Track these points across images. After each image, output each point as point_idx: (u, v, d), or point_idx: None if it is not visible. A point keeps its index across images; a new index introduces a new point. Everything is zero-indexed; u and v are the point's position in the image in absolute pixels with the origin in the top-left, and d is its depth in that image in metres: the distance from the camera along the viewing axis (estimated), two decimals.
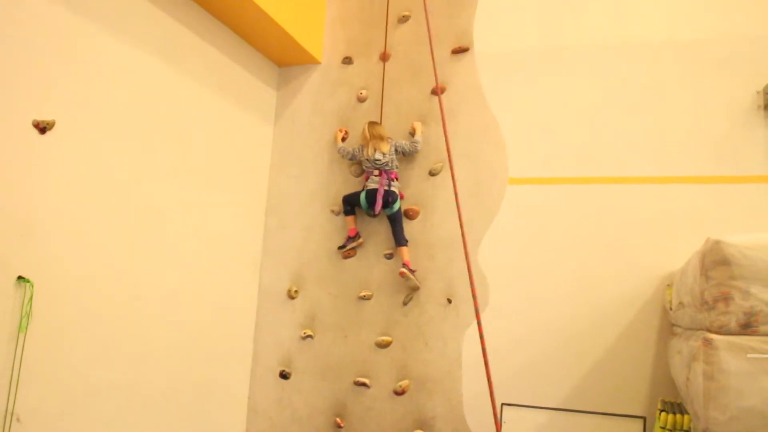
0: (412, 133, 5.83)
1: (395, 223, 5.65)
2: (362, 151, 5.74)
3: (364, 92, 6.17)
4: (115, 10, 4.39)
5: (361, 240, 5.84)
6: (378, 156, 5.61)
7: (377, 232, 5.86)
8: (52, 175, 3.87)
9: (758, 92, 5.04)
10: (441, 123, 5.81)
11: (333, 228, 6.04)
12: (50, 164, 3.85)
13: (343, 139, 6.09)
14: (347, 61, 6.34)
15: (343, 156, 5.96)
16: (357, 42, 6.36)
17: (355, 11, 6.43)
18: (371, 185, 5.59)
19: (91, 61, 4.18)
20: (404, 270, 5.49)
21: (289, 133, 6.41)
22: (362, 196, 5.62)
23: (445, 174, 5.72)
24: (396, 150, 5.70)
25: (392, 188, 5.58)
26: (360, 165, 5.91)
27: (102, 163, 4.25)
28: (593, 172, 5.35)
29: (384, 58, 6.17)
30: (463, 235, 3.80)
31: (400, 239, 5.63)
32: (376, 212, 5.56)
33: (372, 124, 5.76)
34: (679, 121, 5.21)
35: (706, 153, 5.12)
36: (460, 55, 5.90)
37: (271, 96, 6.45)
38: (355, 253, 5.89)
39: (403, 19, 6.20)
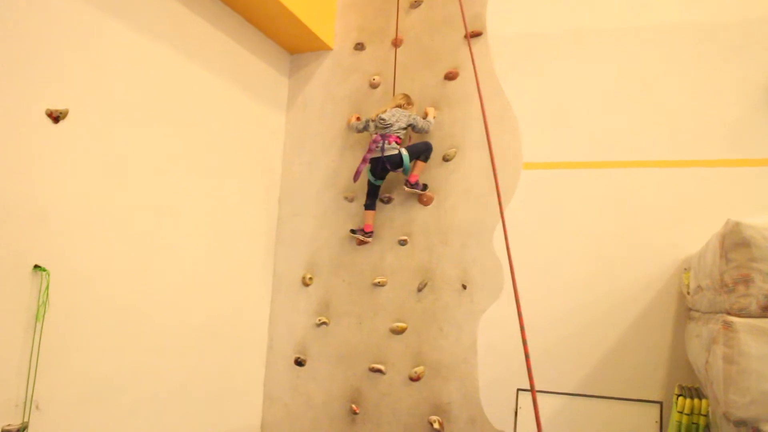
0: (425, 117, 5.79)
1: (417, 155, 5.58)
2: (372, 120, 5.71)
3: (376, 78, 6.14)
4: None
5: (370, 239, 5.83)
6: (383, 116, 5.58)
7: (390, 218, 5.85)
8: (66, 164, 3.88)
9: None
10: (454, 107, 5.80)
11: (346, 215, 6.03)
12: (64, 153, 3.87)
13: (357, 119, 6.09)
14: (359, 47, 6.31)
15: (354, 130, 5.93)
16: (369, 28, 6.32)
17: None
18: (371, 155, 5.59)
19: (103, 50, 4.18)
20: (406, 188, 5.59)
21: (302, 121, 6.40)
22: (366, 170, 5.66)
23: (459, 159, 5.69)
24: (413, 122, 5.62)
25: (388, 152, 5.50)
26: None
27: (115, 152, 4.26)
28: (608, 157, 5.30)
29: (396, 43, 6.13)
30: (496, 183, 3.70)
31: (420, 155, 5.60)
32: (355, 179, 5.67)
33: (404, 94, 5.78)
34: (695, 105, 5.14)
35: (722, 136, 5.06)
36: (473, 40, 5.84)
37: (283, 83, 6.43)
38: (369, 240, 5.88)
39: (415, 4, 6.15)
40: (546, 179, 5.43)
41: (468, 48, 5.82)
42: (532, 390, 2.88)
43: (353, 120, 6.03)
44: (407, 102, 5.70)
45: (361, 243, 5.89)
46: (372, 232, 5.80)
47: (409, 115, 5.62)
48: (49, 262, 3.72)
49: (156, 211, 4.63)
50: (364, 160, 5.61)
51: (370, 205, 5.77)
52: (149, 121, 4.58)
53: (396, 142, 5.54)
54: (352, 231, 5.83)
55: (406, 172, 5.59)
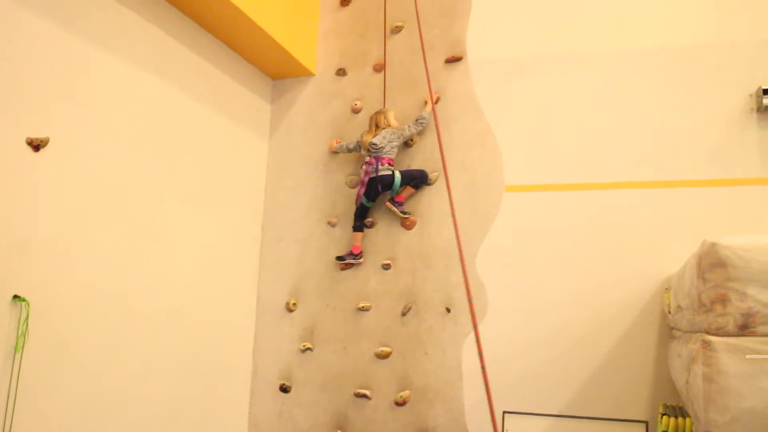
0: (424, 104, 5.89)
1: (410, 182, 5.67)
2: (360, 138, 5.81)
3: (358, 103, 6.19)
4: (109, 25, 4.40)
5: (361, 260, 5.83)
6: (374, 141, 5.64)
7: (374, 242, 5.86)
8: (47, 192, 3.86)
9: (750, 95, 5.06)
10: (435, 131, 5.84)
11: (330, 240, 6.03)
12: (45, 182, 3.85)
13: (355, 111, 6.20)
14: (341, 72, 6.36)
15: (340, 151, 6.00)
16: (350, 53, 6.38)
17: (348, 23, 6.46)
18: (368, 177, 5.66)
19: (84, 78, 4.18)
20: (388, 203, 5.68)
21: (285, 146, 6.42)
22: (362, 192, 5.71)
23: (441, 183, 5.72)
24: (401, 136, 5.70)
25: (381, 173, 5.58)
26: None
27: (97, 180, 4.24)
28: (589, 179, 5.36)
29: (381, 68, 6.18)
30: (459, 242, 3.79)
31: (411, 182, 5.69)
32: (357, 202, 5.73)
33: (377, 112, 5.82)
34: (673, 126, 5.22)
35: (701, 157, 5.13)
36: (454, 65, 5.92)
37: (265, 109, 6.46)
38: (352, 265, 5.88)
39: (396, 30, 6.22)
40: (528, 201, 5.47)
41: (450, 72, 5.88)
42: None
43: (335, 144, 6.07)
44: (387, 121, 5.75)
45: (347, 267, 5.88)
46: (361, 253, 5.80)
47: (401, 133, 5.71)
48: (29, 292, 3.68)
49: (138, 239, 4.61)
50: (362, 184, 5.66)
51: (359, 227, 5.80)
52: (131, 149, 4.58)
53: (389, 164, 5.63)
54: (339, 258, 5.83)
55: (394, 193, 5.67)
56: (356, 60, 6.33)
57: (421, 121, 5.73)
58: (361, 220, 5.80)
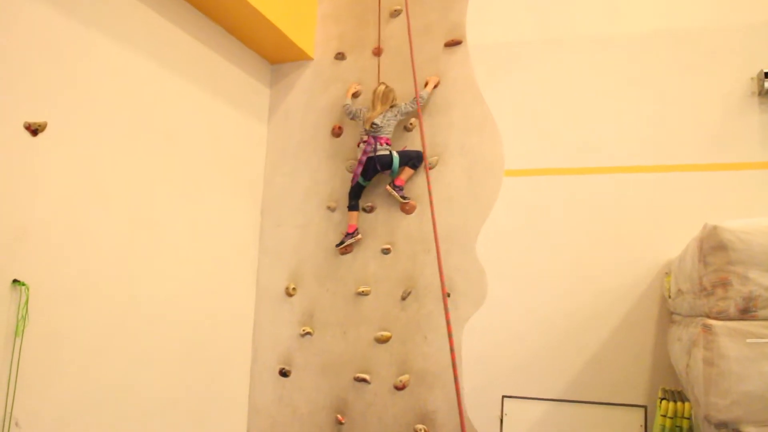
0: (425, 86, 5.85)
1: (407, 162, 5.67)
2: (362, 114, 5.79)
3: (357, 87, 6.15)
4: (106, 10, 4.37)
5: (359, 236, 5.82)
6: (376, 121, 5.64)
7: (373, 227, 5.85)
8: (45, 177, 3.85)
9: (752, 79, 5.03)
10: (435, 116, 5.82)
11: (329, 225, 6.02)
12: (43, 166, 3.83)
13: (355, 95, 6.13)
14: (340, 56, 6.32)
15: (347, 113, 5.96)
16: (349, 37, 6.34)
17: (347, 7, 6.41)
18: (359, 153, 5.70)
19: (82, 62, 4.16)
20: (388, 187, 5.67)
21: (283, 131, 6.39)
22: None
23: (441, 167, 5.70)
24: (396, 113, 5.69)
25: (380, 152, 5.60)
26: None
27: (95, 164, 4.23)
28: (589, 163, 5.34)
29: (379, 52, 6.15)
30: (435, 229, 3.79)
31: (409, 161, 5.68)
32: (353, 182, 5.72)
33: (382, 87, 5.76)
34: (674, 110, 5.20)
35: (702, 141, 5.11)
36: (453, 48, 5.88)
37: (264, 93, 6.43)
38: (352, 249, 5.88)
39: (395, 14, 6.18)
40: (527, 186, 5.46)
41: (449, 56, 5.85)
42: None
43: (352, 90, 6.09)
44: (387, 99, 5.72)
45: (347, 251, 5.87)
46: (357, 230, 5.81)
47: (398, 110, 5.69)
48: (29, 277, 3.68)
49: (137, 223, 4.60)
50: (360, 163, 5.65)
51: (354, 207, 5.81)
52: (129, 134, 4.56)
53: (387, 143, 5.64)
54: (339, 244, 5.83)
55: (393, 174, 5.66)
56: (355, 44, 6.29)
57: (421, 95, 5.71)
58: (356, 199, 5.82)
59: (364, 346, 5.71)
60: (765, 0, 5.14)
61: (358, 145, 5.76)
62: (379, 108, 5.68)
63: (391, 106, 5.73)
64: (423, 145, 4.25)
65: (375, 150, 5.60)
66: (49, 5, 3.90)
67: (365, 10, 6.32)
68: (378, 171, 5.65)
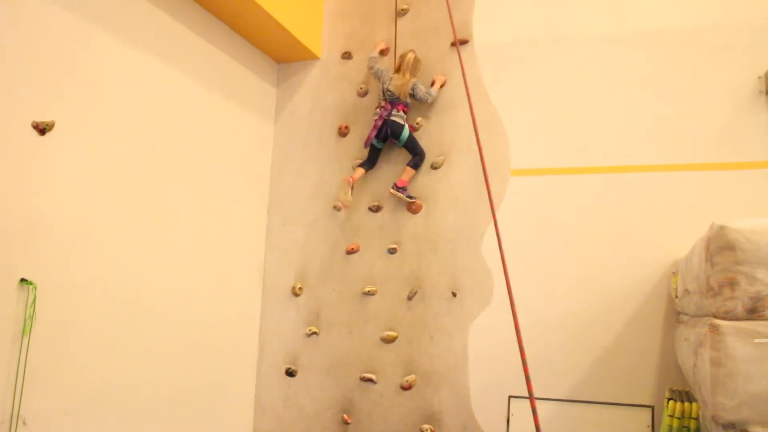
0: (431, 85, 5.86)
1: (409, 150, 5.74)
2: (385, 76, 5.78)
3: (364, 86, 6.15)
4: (114, 9, 4.38)
5: (366, 170, 5.87)
6: (391, 87, 5.67)
7: (380, 227, 5.85)
8: (53, 176, 3.86)
9: (760, 77, 5.00)
10: (442, 115, 5.82)
11: (335, 224, 6.02)
12: (51, 165, 3.85)
13: (382, 53, 6.16)
14: (347, 56, 6.32)
15: (370, 66, 5.94)
16: (356, 36, 6.34)
17: (354, 6, 6.41)
18: (374, 116, 5.73)
19: (89, 61, 4.17)
20: (392, 190, 5.67)
21: (290, 130, 6.40)
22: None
23: (447, 167, 5.70)
24: (413, 90, 5.69)
25: (394, 118, 5.64)
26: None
27: (102, 163, 4.24)
28: (595, 162, 5.33)
29: (387, 51, 6.15)
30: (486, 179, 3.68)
31: (410, 161, 5.73)
32: (366, 144, 5.72)
33: (412, 55, 5.76)
34: (682, 109, 5.18)
35: (709, 140, 5.09)
36: (460, 47, 5.86)
37: (270, 93, 6.44)
38: (358, 249, 5.87)
39: (402, 13, 6.17)
40: (534, 185, 5.45)
41: (456, 55, 5.84)
42: (531, 399, 2.85)
43: (380, 47, 6.11)
44: (410, 69, 5.72)
45: (351, 252, 5.87)
46: (353, 185, 5.77)
47: (414, 87, 5.70)
48: (36, 276, 3.70)
49: (144, 222, 4.61)
50: (375, 127, 5.65)
51: (363, 165, 5.86)
52: (137, 133, 4.57)
53: (404, 111, 5.70)
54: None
55: (400, 143, 5.70)
56: (362, 43, 6.29)
57: (429, 94, 5.73)
58: (369, 162, 5.87)
59: (370, 346, 5.71)
60: None
61: (375, 110, 5.76)
62: (408, 76, 5.69)
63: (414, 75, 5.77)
64: (473, 123, 4.14)
65: (390, 114, 5.63)
66: (57, 4, 3.91)
67: (372, 9, 6.32)
68: (388, 136, 5.67)
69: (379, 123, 5.62)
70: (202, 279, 5.25)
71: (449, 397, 5.39)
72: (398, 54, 5.99)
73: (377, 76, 5.85)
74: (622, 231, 5.15)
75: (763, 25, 5.08)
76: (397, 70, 5.75)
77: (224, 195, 5.58)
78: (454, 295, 5.49)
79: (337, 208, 6.03)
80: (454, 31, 5.22)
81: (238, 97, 5.82)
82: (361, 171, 5.81)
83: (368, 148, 5.83)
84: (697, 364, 3.35)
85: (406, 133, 5.65)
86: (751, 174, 4.93)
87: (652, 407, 4.88)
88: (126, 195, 4.44)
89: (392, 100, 5.67)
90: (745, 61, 5.07)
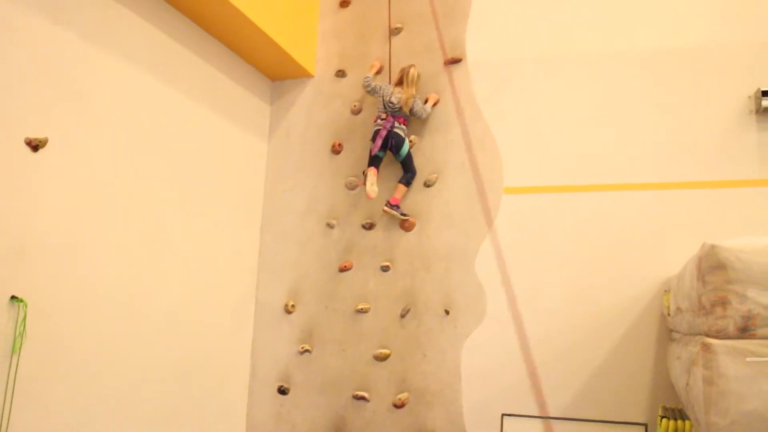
0: (425, 103, 5.86)
1: (404, 165, 5.76)
2: (385, 90, 5.77)
3: (357, 104, 6.18)
4: (108, 26, 4.39)
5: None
6: (394, 100, 5.68)
7: (373, 244, 5.85)
8: (45, 193, 3.85)
9: (749, 97, 5.06)
10: (435, 133, 5.85)
11: (329, 242, 6.02)
12: (43, 182, 3.84)
13: (377, 73, 6.15)
14: (340, 74, 6.35)
15: (366, 85, 5.91)
16: (350, 54, 6.37)
17: (348, 24, 6.45)
18: (377, 128, 5.71)
19: (83, 78, 4.17)
20: (385, 208, 5.67)
21: (284, 148, 6.40)
22: (370, 143, 5.74)
23: (440, 185, 5.72)
24: (412, 104, 5.70)
25: (397, 130, 5.66)
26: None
27: (95, 180, 4.23)
28: (588, 180, 5.35)
29: (381, 69, 6.17)
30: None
31: (402, 178, 5.74)
32: (373, 152, 5.69)
33: (414, 70, 5.79)
34: (673, 128, 5.22)
35: (700, 158, 5.13)
36: (453, 66, 5.91)
37: (264, 110, 6.45)
38: (351, 266, 5.87)
39: (395, 31, 6.21)
40: (527, 203, 5.47)
41: (449, 74, 5.88)
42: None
43: (375, 68, 6.11)
44: (411, 84, 5.74)
45: (344, 269, 5.87)
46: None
47: (413, 102, 5.71)
48: (27, 293, 3.67)
49: (136, 240, 4.60)
50: (380, 136, 5.64)
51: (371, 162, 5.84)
52: (130, 150, 4.57)
53: (404, 124, 5.71)
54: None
55: (399, 158, 5.70)
56: (356, 61, 6.32)
57: (425, 108, 5.76)
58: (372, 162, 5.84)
59: (362, 363, 5.68)
60: (762, 19, 5.18)
61: (375, 122, 5.76)
62: (412, 90, 5.71)
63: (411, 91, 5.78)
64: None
65: (393, 126, 5.64)
66: (51, 21, 3.92)
67: (366, 27, 6.36)
68: (391, 147, 5.67)
69: (384, 133, 5.63)
70: (194, 296, 5.23)
71: (442, 415, 5.37)
72: (395, 70, 6.01)
73: (375, 92, 5.86)
74: (614, 249, 5.17)
75: (752, 46, 5.15)
76: (398, 83, 5.77)
77: (217, 212, 5.57)
78: (447, 312, 5.49)
79: (330, 226, 6.02)
80: (444, 50, 5.25)
81: (232, 115, 5.83)
82: (374, 169, 5.79)
83: (369, 159, 5.80)
84: (690, 382, 3.35)
85: (406, 146, 5.69)
86: (741, 192, 4.97)
87: (645, 425, 4.87)
88: (118, 212, 4.43)
89: (394, 113, 5.69)
90: (735, 81, 5.12)
